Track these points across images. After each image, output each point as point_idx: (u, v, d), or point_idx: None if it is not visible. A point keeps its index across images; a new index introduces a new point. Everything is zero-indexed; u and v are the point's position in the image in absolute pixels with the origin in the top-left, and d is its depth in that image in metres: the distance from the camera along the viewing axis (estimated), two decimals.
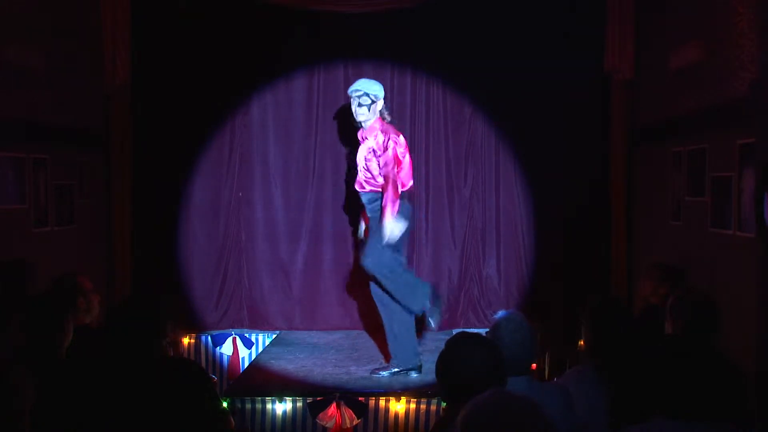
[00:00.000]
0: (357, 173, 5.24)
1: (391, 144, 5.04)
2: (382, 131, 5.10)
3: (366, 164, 5.15)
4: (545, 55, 6.35)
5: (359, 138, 5.28)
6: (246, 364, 6.12)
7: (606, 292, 6.22)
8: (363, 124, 5.20)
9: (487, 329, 3.12)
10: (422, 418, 4.74)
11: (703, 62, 4.92)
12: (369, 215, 5.24)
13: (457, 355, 2.56)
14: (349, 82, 6.61)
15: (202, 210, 6.67)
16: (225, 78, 6.51)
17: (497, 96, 6.57)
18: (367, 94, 5.11)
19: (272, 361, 5.61)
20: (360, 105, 5.13)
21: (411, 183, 5.25)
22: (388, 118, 5.24)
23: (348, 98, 6.57)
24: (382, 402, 4.76)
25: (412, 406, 4.75)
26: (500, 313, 3.10)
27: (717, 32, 4.74)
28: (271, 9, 6.32)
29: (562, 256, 6.56)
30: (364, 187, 5.19)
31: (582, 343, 3.47)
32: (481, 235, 6.73)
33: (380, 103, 5.17)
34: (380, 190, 5.06)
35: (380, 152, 5.05)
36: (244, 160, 6.69)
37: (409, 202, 5.23)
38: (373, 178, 5.13)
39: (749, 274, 4.28)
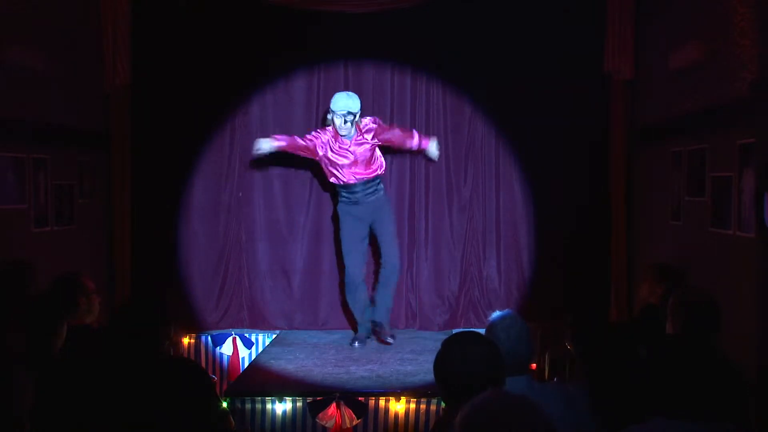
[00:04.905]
0: (342, 173, 5.73)
1: (368, 120, 5.77)
2: (360, 130, 5.71)
3: (367, 156, 5.71)
4: (545, 55, 6.36)
5: (331, 142, 5.69)
6: (246, 364, 6.12)
7: (582, 306, 6.11)
8: (347, 137, 5.67)
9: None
10: (422, 418, 4.74)
11: (703, 62, 4.92)
12: (367, 199, 5.80)
13: (455, 354, 2.54)
14: (349, 82, 6.65)
15: (202, 210, 6.67)
16: (225, 78, 6.51)
17: (497, 96, 6.56)
18: (353, 113, 5.60)
19: (272, 361, 5.60)
20: (345, 122, 5.60)
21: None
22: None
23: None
24: (382, 402, 4.76)
25: (412, 406, 4.74)
26: (494, 314, 3.10)
27: (717, 32, 4.74)
28: (271, 9, 6.32)
29: (562, 256, 6.56)
30: (360, 177, 5.72)
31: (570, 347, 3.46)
32: (481, 235, 6.72)
33: (358, 115, 5.68)
34: (376, 173, 5.80)
35: (377, 133, 5.70)
36: (244, 160, 6.68)
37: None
38: (372, 165, 5.76)
39: (749, 274, 4.28)
